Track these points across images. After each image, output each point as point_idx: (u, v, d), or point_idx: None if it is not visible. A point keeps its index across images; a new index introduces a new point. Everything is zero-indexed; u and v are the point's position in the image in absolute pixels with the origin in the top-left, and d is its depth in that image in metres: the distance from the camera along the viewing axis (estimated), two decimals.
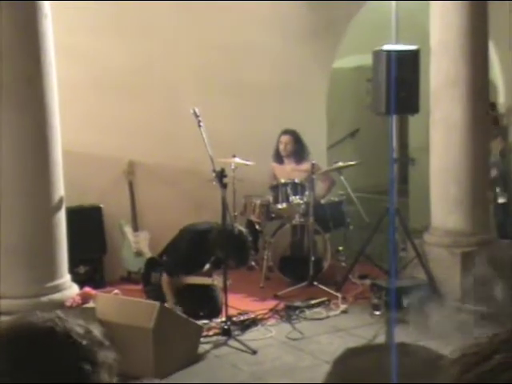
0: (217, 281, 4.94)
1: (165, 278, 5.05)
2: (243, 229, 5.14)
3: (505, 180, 6.78)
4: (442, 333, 4.81)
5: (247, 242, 4.97)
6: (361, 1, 7.23)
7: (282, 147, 6.37)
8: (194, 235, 5.03)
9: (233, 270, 5.65)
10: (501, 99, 7.98)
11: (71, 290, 4.24)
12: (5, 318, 3.52)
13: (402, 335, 4.83)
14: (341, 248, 6.27)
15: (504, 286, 4.13)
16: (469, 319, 5.07)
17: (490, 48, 6.38)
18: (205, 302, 5.08)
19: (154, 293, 5.10)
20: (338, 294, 5.53)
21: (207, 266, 5.15)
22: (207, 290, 5.12)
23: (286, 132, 6.38)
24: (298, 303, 5.35)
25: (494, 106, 6.92)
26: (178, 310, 4.75)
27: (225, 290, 4.76)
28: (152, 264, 5.34)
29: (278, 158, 6.44)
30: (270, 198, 6.12)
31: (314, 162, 6.00)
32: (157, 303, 4.29)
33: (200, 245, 4.97)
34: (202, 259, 5.11)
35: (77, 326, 1.09)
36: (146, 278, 5.32)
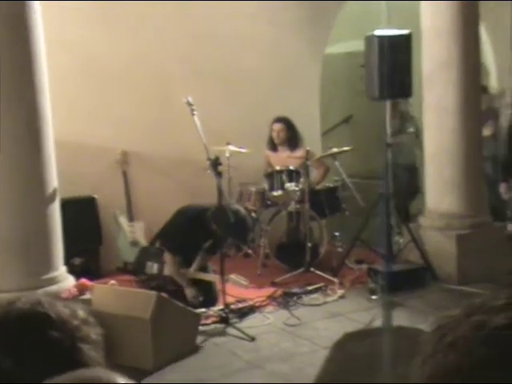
0: (232, 280, 4.86)
1: (169, 257, 4.99)
2: (240, 208, 5.10)
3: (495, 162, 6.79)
4: (439, 315, 4.84)
5: (246, 219, 4.95)
6: None
7: (274, 135, 6.35)
8: (191, 213, 5.01)
9: (231, 256, 5.66)
10: (492, 82, 7.97)
11: (67, 282, 4.24)
12: None
13: (399, 319, 4.86)
14: (337, 233, 6.27)
15: None
16: (464, 302, 5.10)
17: (482, 31, 6.37)
18: (202, 291, 5.07)
19: (148, 282, 5.09)
20: (335, 280, 5.54)
21: (202, 253, 5.11)
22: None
23: (278, 120, 6.36)
24: (295, 290, 5.37)
25: (485, 89, 6.92)
26: (195, 293, 4.79)
27: (222, 276, 4.75)
28: (146, 253, 5.32)
29: (272, 145, 6.43)
30: (266, 186, 6.11)
31: (308, 148, 5.99)
32: (154, 293, 4.29)
33: (197, 222, 4.93)
34: (199, 238, 5.06)
35: (63, 307, 1.12)
36: (140, 268, 5.27)
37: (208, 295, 5.04)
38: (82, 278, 4.42)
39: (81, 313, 1.13)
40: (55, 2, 5.37)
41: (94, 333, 1.13)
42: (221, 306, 4.82)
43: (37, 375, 1.03)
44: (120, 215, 6.23)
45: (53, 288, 4.12)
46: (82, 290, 4.23)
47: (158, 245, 5.22)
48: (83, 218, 6.00)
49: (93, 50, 6.10)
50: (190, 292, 4.93)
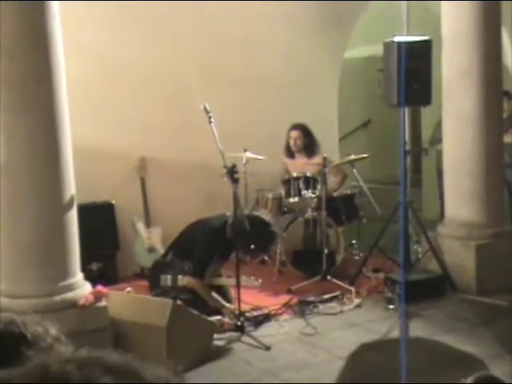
0: (244, 281, 4.82)
1: (193, 281, 4.86)
2: (263, 215, 5.08)
3: None
4: (457, 327, 4.77)
5: (270, 225, 4.94)
6: None
7: (292, 142, 6.32)
8: (207, 234, 4.96)
9: (246, 262, 5.60)
10: None
11: (84, 289, 4.24)
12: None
13: (416, 330, 4.80)
14: (354, 241, 6.23)
15: None
16: (483, 313, 5.02)
17: (503, 36, 6.29)
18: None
19: (163, 296, 5.03)
20: (352, 288, 5.49)
21: (216, 260, 5.09)
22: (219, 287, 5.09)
23: (294, 127, 6.31)
24: (311, 298, 5.33)
25: (508, 94, 6.83)
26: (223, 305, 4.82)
27: (237, 284, 4.73)
28: (159, 267, 5.21)
29: (289, 152, 6.39)
30: (282, 192, 6.09)
31: (325, 155, 5.95)
32: (170, 301, 4.28)
33: (214, 241, 4.92)
34: (215, 252, 5.05)
35: (35, 325, 1.13)
36: (155, 283, 5.14)
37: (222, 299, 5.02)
38: (99, 283, 4.42)
39: (53, 331, 1.15)
40: (74, 7, 5.39)
41: (66, 350, 1.14)
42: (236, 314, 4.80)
43: None
44: (137, 221, 6.25)
45: (69, 295, 4.12)
46: (98, 297, 4.23)
47: (170, 256, 5.16)
48: (101, 223, 6.02)
49: (111, 56, 6.13)
50: (228, 313, 4.89)
